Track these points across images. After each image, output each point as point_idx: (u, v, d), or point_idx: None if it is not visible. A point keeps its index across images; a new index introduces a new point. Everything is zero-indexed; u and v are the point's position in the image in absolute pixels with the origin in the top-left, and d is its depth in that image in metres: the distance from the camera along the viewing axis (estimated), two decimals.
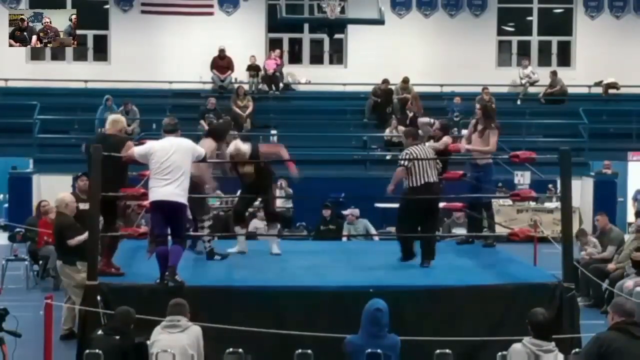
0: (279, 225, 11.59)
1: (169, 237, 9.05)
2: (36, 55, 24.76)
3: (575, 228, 13.51)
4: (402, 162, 10.25)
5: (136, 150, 9.21)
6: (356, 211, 15.87)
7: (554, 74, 24.76)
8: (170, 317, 7.75)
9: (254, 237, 11.44)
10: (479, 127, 11.59)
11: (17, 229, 15.47)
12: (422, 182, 10.15)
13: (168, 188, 8.78)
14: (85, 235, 10.45)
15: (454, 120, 22.97)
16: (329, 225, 15.59)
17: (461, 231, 14.78)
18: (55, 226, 11.07)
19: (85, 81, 24.25)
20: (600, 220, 14.11)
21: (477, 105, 11.69)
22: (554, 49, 26.06)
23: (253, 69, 24.70)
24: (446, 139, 11.77)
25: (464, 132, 12.14)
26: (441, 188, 12.06)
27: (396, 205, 12.76)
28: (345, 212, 16.09)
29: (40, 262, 14.23)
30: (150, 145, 9.19)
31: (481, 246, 11.82)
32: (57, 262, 11.17)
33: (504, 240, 12.43)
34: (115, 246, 9.74)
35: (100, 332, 8.03)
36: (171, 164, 8.81)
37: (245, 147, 10.75)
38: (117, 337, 7.87)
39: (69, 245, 10.60)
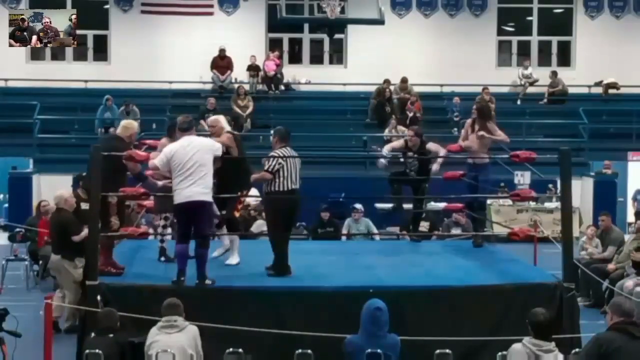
0: (237, 238, 10.35)
1: (192, 240, 8.97)
2: (36, 55, 24.75)
3: (575, 228, 13.53)
4: (273, 165, 9.62)
5: (157, 162, 9.02)
6: (361, 208, 15.89)
7: (554, 74, 24.75)
8: (166, 318, 7.74)
9: (254, 237, 11.33)
10: (476, 127, 11.58)
11: (17, 229, 15.47)
12: (290, 187, 9.67)
13: (193, 188, 8.73)
14: (86, 232, 10.55)
15: (454, 120, 23.00)
16: (326, 227, 15.54)
17: (459, 232, 14.80)
18: (57, 222, 11.11)
19: (85, 81, 24.24)
20: (605, 221, 14.17)
21: (474, 107, 11.68)
22: (554, 49, 26.05)
23: (253, 69, 24.68)
24: (434, 146, 11.79)
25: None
26: (426, 188, 12.06)
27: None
28: (354, 207, 16.05)
29: (40, 262, 14.23)
30: (168, 149, 9.04)
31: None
32: (53, 258, 11.19)
33: (504, 240, 12.42)
34: (112, 245, 9.74)
35: (92, 334, 8.06)
36: (194, 163, 8.75)
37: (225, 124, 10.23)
38: (111, 335, 7.92)
39: (70, 241, 10.67)
